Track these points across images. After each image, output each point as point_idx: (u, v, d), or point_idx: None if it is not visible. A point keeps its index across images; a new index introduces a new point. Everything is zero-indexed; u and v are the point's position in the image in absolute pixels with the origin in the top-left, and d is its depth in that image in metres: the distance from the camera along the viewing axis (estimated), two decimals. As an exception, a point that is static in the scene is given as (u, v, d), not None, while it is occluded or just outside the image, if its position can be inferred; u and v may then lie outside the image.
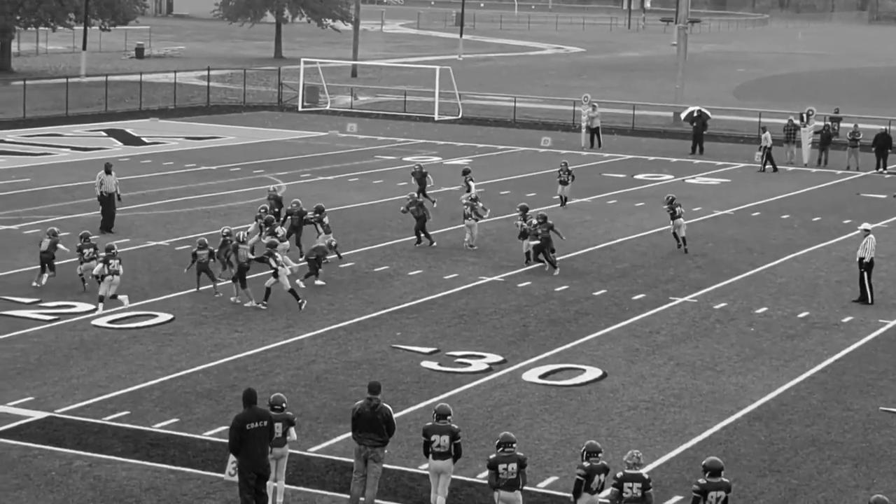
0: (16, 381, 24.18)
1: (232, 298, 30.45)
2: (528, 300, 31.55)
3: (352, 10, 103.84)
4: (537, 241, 34.26)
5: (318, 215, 34.66)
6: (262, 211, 34.47)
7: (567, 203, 43.84)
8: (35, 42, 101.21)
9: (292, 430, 18.98)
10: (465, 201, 37.54)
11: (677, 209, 37.41)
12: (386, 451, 19.17)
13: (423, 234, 36.86)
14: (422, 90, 77.95)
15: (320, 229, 34.40)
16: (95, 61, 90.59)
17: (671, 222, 37.68)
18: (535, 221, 34.67)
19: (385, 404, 19.06)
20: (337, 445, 21.40)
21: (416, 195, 38.39)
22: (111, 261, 29.56)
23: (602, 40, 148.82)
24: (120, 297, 29.84)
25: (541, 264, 34.52)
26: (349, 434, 21.73)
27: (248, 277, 30.27)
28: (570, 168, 44.20)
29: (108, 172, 37.90)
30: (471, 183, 41.42)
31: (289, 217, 35.14)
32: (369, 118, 69.51)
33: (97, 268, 29.71)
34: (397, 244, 37.18)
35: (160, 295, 30.77)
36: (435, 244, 36.69)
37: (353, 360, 26.26)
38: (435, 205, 40.87)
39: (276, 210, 35.41)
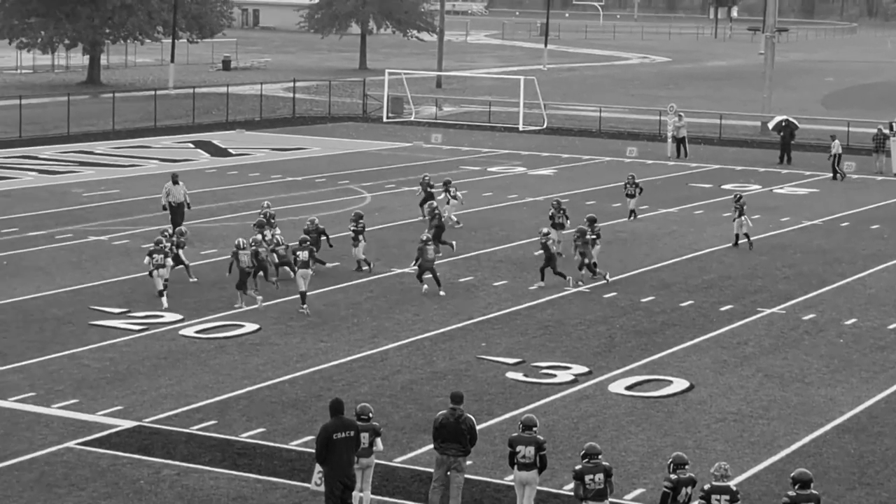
0: (105, 391, 24.40)
1: (236, 305, 30.72)
2: (613, 311, 31.39)
3: (436, 20, 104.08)
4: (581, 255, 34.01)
5: (360, 222, 34.83)
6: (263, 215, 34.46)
7: (635, 216, 43.07)
8: (124, 55, 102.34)
9: (378, 440, 19.00)
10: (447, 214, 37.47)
11: (743, 208, 38.63)
12: (468, 462, 19.14)
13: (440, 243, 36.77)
14: (506, 100, 77.93)
15: (361, 238, 34.66)
16: (183, 74, 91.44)
17: (735, 221, 38.75)
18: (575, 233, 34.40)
19: (468, 414, 19.06)
20: (422, 456, 21.38)
21: (434, 205, 38.47)
22: (155, 255, 30.72)
23: (688, 49, 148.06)
24: (163, 299, 30.65)
25: (563, 275, 33.89)
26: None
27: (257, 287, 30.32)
28: (637, 181, 43.70)
29: (175, 182, 38.35)
30: (455, 192, 41.16)
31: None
32: (454, 129, 69.57)
33: (145, 260, 31.02)
34: (482, 255, 37.15)
35: (247, 305, 30.91)
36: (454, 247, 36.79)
37: (438, 371, 26.25)
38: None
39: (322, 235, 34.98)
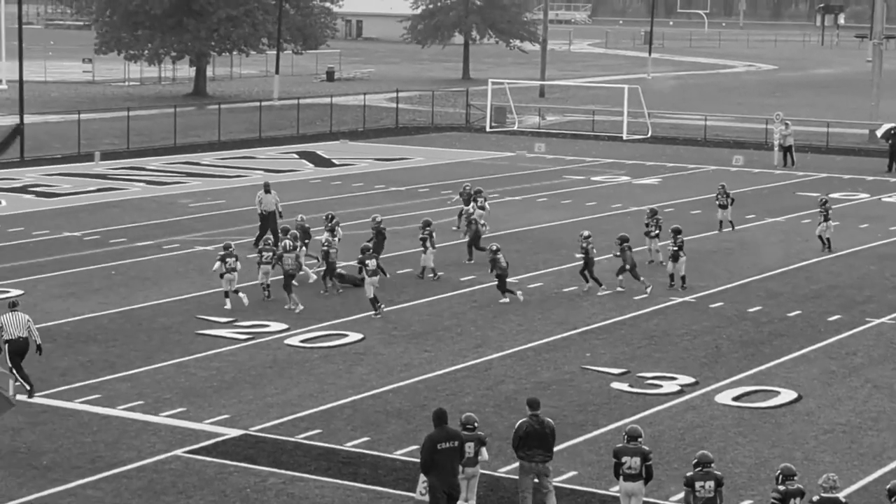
0: (212, 399, 24.60)
1: (286, 307, 31.18)
2: (720, 321, 31.11)
3: (539, 30, 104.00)
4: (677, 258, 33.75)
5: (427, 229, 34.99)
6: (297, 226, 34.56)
7: (732, 227, 42.39)
8: (229, 67, 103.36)
9: (484, 450, 18.97)
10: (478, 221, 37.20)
11: (829, 212, 38.93)
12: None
13: (474, 249, 36.71)
14: (610, 109, 77.65)
15: (430, 245, 34.73)
16: (287, 85, 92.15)
17: (820, 224, 39.01)
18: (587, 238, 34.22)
19: (548, 419, 19.15)
20: (527, 466, 21.27)
21: (469, 210, 38.58)
22: (227, 259, 31.43)
23: (795, 57, 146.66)
24: (241, 294, 31.27)
25: (636, 284, 33.70)
26: (539, 455, 21.69)
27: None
28: (728, 191, 43.07)
29: (267, 191, 38.83)
30: (484, 203, 40.87)
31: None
32: (557, 138, 69.41)
33: (216, 265, 31.71)
34: (586, 264, 36.95)
35: (351, 315, 31.05)
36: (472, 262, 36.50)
37: (542, 381, 26.16)
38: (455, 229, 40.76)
39: (306, 241, 34.82)
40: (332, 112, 71.88)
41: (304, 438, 22.54)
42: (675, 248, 33.87)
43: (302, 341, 28.71)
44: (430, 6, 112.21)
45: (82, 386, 25.22)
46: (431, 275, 34.77)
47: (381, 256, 33.35)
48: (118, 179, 52.10)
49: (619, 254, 33.85)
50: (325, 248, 32.93)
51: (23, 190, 49.00)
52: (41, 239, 39.53)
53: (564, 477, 20.95)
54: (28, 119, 60.12)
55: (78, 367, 26.49)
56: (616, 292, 33.50)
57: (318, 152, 61.89)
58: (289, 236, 32.57)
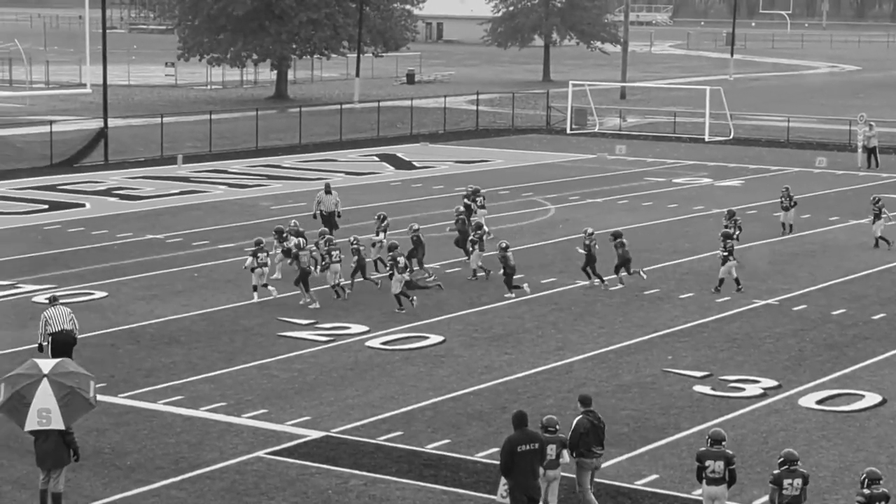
0: (293, 401, 24.69)
1: (301, 302, 31.76)
2: (803, 324, 30.81)
3: (620, 31, 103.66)
4: (732, 261, 33.48)
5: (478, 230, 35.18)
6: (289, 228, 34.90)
7: (791, 230, 41.93)
8: (310, 70, 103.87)
9: (565, 452, 18.91)
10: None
11: (882, 210, 39.38)
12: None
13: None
14: (692, 111, 77.21)
15: (477, 248, 34.89)
16: (368, 87, 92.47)
17: (874, 223, 39.38)
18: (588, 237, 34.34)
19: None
20: (609, 469, 21.19)
21: (462, 209, 38.56)
22: (259, 254, 32.13)
23: (879, 58, 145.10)
24: (270, 287, 32.27)
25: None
26: (620, 458, 21.62)
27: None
28: (791, 194, 42.55)
29: (327, 192, 39.40)
30: (483, 202, 40.62)
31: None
32: (638, 140, 69.12)
33: (248, 261, 32.38)
34: (668, 267, 36.78)
35: (432, 317, 31.07)
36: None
37: (623, 384, 26.03)
38: (449, 231, 40.24)
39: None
40: (412, 114, 71.99)
41: (385, 440, 22.57)
42: (725, 254, 33.55)
43: (383, 343, 28.76)
44: (511, 8, 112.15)
45: (166, 387, 25.41)
46: (483, 273, 34.76)
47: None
48: (200, 182, 52.48)
49: (618, 251, 34.16)
50: (355, 245, 33.35)
51: (107, 193, 49.48)
52: (125, 241, 39.89)
53: (646, 480, 20.84)
54: (112, 122, 60.73)
55: (161, 368, 26.70)
56: (694, 295, 33.30)
57: (399, 155, 62.01)
58: (303, 236, 33.59)
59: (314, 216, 39.38)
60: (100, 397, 23.54)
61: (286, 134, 67.30)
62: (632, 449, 22.26)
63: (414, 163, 59.32)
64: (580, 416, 19.30)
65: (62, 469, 19.17)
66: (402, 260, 31.82)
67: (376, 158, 60.91)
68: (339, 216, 39.30)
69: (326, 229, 35.67)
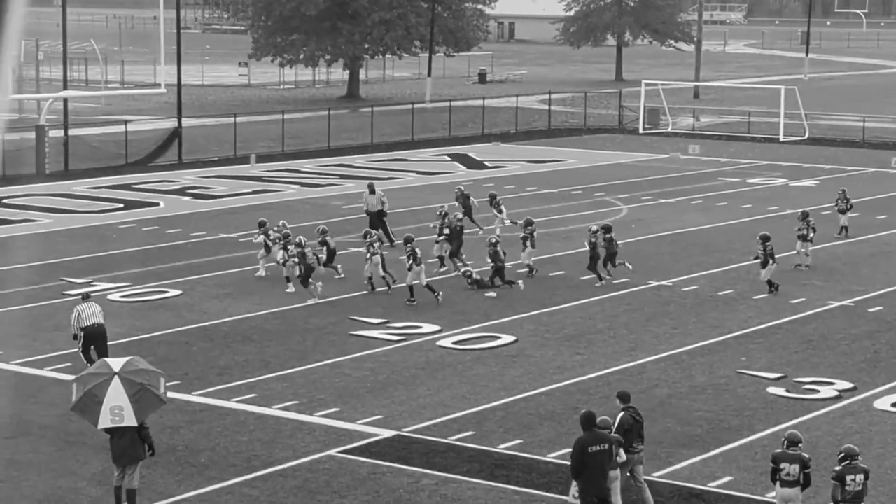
0: (365, 400, 24.73)
1: (310, 301, 32.20)
2: (879, 325, 30.50)
3: (694, 30, 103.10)
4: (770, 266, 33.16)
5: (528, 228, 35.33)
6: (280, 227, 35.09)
7: (847, 233, 41.41)
8: (382, 70, 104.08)
9: (621, 451, 18.88)
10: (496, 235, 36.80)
11: None
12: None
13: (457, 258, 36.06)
14: (766, 111, 76.67)
15: (529, 244, 35.07)
16: (439, 87, 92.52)
17: None
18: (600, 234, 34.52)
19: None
20: (682, 471, 21.08)
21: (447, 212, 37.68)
22: (289, 247, 32.80)
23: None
24: (316, 283, 32.61)
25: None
26: (694, 460, 21.49)
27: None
28: (848, 196, 42.00)
29: (371, 192, 39.96)
30: (503, 208, 40.28)
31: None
32: (712, 139, 68.71)
33: (280, 254, 33.21)
34: (741, 268, 36.51)
35: (503, 317, 31.03)
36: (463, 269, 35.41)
37: (697, 385, 25.87)
38: (480, 232, 40.11)
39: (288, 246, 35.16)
40: (483, 114, 71.96)
41: (457, 440, 22.55)
42: (765, 255, 33.08)
43: (454, 343, 28.75)
44: (584, 8, 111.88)
45: (239, 385, 25.53)
46: (527, 270, 34.72)
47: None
48: (273, 181, 52.71)
49: (604, 245, 34.36)
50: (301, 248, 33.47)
51: (180, 192, 49.83)
52: (198, 240, 40.14)
53: (720, 482, 20.70)
54: (186, 122, 61.15)
55: (234, 366, 26.83)
56: (767, 297, 33.06)
57: (470, 154, 62.00)
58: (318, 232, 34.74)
59: (366, 214, 39.94)
60: (174, 395, 23.75)
61: (358, 133, 67.47)
62: (705, 450, 22.11)
63: (485, 162, 59.29)
64: (622, 413, 19.29)
65: (137, 465, 19.31)
66: (419, 252, 32.30)
67: (447, 158, 60.93)
68: (385, 215, 39.57)
69: (371, 230, 35.85)
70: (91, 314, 25.79)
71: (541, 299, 32.65)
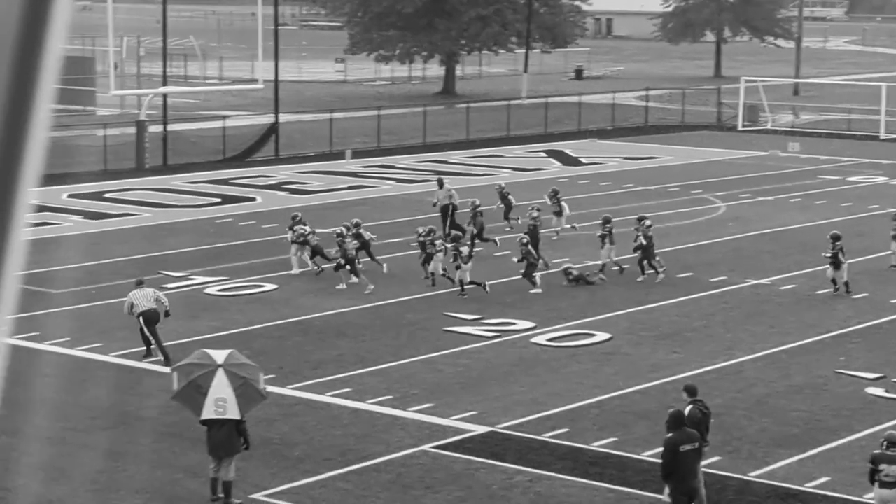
0: (459, 396, 24.72)
1: (339, 286, 32.71)
2: (981, 326, 30.01)
3: (794, 27, 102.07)
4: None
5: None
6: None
7: None
8: (478, 66, 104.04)
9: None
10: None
11: None
12: None
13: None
14: (867, 108, 75.67)
15: (608, 241, 34.99)
16: (535, 83, 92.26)
17: None
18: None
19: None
20: (778, 471, 20.87)
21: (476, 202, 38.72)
22: (348, 238, 33.30)
23: None
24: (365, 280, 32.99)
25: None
26: (790, 460, 21.27)
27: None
28: None
29: (440, 186, 40.52)
30: (563, 203, 39.80)
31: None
32: (812, 137, 67.94)
33: (334, 250, 33.54)
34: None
35: (598, 314, 30.90)
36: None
37: (794, 385, 25.59)
38: (509, 229, 39.75)
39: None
40: (580, 110, 71.72)
41: (551, 437, 22.48)
42: (835, 254, 32.48)
43: (549, 340, 28.66)
44: (682, 4, 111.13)
45: (333, 379, 25.63)
46: (616, 269, 34.51)
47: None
48: (368, 177, 52.89)
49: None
50: (422, 238, 33.94)
51: (277, 187, 50.14)
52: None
53: (817, 482, 20.46)
54: (282, 118, 61.51)
55: (329, 360, 26.93)
56: (868, 295, 32.63)
57: (566, 151, 61.82)
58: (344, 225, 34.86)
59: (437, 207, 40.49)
60: (269, 388, 23.87)
61: (453, 130, 67.50)
62: (803, 450, 21.87)
63: (581, 159, 59.08)
64: (690, 407, 19.10)
65: (233, 458, 19.45)
66: (464, 250, 32.54)
67: (543, 154, 60.78)
68: (454, 209, 39.74)
69: (433, 227, 35.90)
70: (143, 300, 26.53)
71: (637, 297, 32.47)
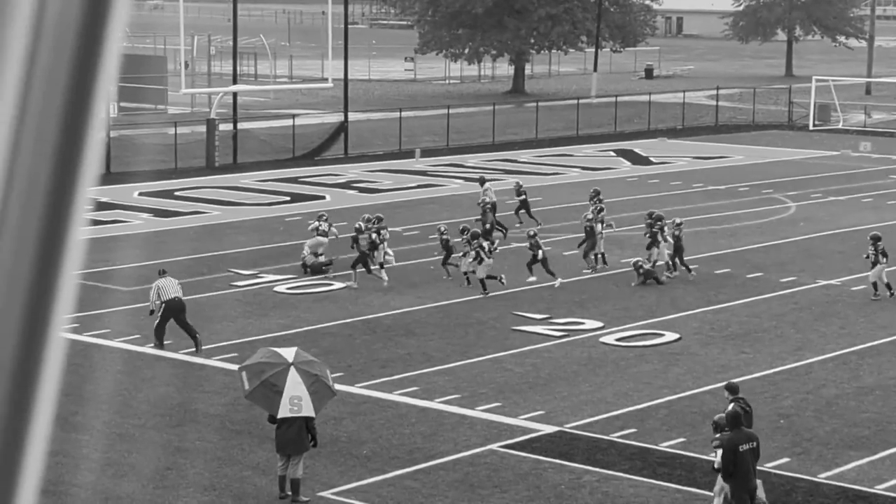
0: (527, 395, 24.69)
1: (350, 284, 32.81)
2: None
3: (866, 26, 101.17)
4: None
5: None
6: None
7: None
8: (547, 65, 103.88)
9: None
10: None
11: None
12: None
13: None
14: (940, 107, 74.91)
15: (660, 239, 34.69)
16: (605, 82, 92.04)
17: None
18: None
19: None
20: (848, 473, 20.68)
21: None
22: (382, 231, 33.87)
23: None
24: (383, 274, 33.19)
25: None
26: (860, 462, 21.09)
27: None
28: None
29: (481, 184, 41.03)
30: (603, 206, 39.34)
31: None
32: (884, 137, 67.26)
33: (362, 244, 33.79)
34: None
35: (666, 314, 30.75)
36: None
37: (864, 386, 25.35)
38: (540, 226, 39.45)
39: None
40: (650, 110, 71.42)
41: (619, 437, 22.40)
42: (876, 255, 31.98)
43: (617, 340, 28.57)
44: (753, 2, 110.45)
45: (401, 378, 25.66)
46: (669, 266, 34.30)
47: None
48: (437, 176, 52.92)
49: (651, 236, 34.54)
50: (446, 236, 34.43)
51: (346, 185, 50.27)
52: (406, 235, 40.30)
53: (887, 485, 20.28)
54: (352, 116, 61.69)
55: (397, 359, 26.97)
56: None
57: (636, 150, 61.57)
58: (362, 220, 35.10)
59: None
60: (337, 386, 23.95)
61: (522, 129, 67.42)
62: (872, 452, 21.66)
63: (651, 158, 58.82)
64: (732, 405, 19.01)
65: (301, 456, 19.52)
66: (486, 245, 32.75)
67: (613, 154, 60.57)
68: (494, 208, 39.98)
69: (466, 226, 35.86)
70: (170, 288, 26.95)
71: (706, 296, 32.29)
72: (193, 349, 26.98)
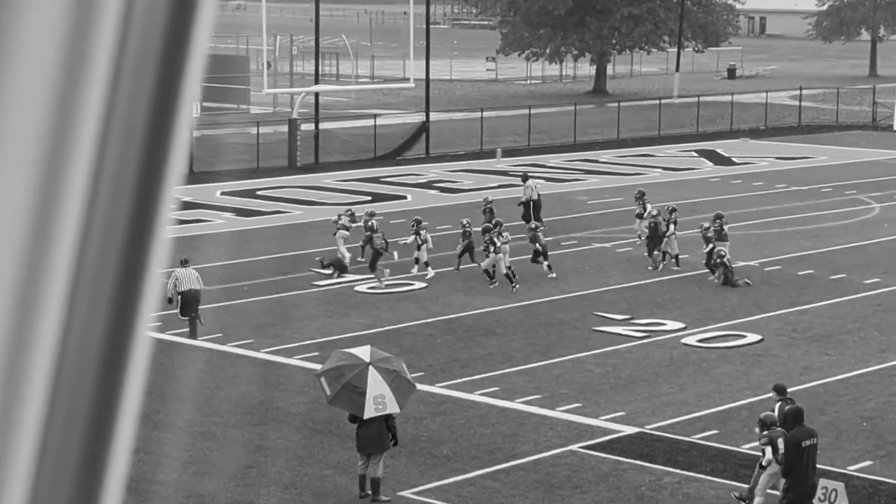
0: (608, 396, 24.62)
1: (378, 283, 32.85)
2: None
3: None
4: None
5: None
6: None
7: None
8: (629, 65, 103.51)
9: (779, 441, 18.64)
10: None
11: None
12: None
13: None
14: None
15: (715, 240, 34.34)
16: (687, 82, 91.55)
17: None
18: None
19: None
20: (933, 478, 20.44)
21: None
22: (420, 231, 34.41)
23: None
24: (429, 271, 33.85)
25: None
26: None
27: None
28: None
29: (524, 180, 42.25)
30: (647, 205, 38.62)
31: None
32: (970, 137, 66.44)
33: (410, 239, 34.49)
34: None
35: (749, 315, 30.53)
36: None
37: (951, 389, 25.05)
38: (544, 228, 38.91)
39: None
40: (732, 110, 70.94)
41: (700, 438, 22.28)
42: None
43: (699, 341, 28.41)
44: (837, 2, 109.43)
45: (482, 378, 25.66)
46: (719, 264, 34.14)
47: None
48: (518, 176, 52.78)
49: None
50: (468, 229, 34.74)
51: (427, 185, 50.35)
52: (444, 234, 40.39)
53: (974, 491, 20.01)
54: (433, 116, 61.78)
55: (478, 359, 26.98)
56: None
57: (718, 150, 61.17)
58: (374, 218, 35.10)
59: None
60: (418, 386, 24.02)
61: (604, 129, 67.20)
62: (959, 457, 21.40)
63: (733, 159, 58.43)
64: (779, 405, 19.16)
65: (382, 455, 19.57)
66: (498, 240, 32.84)
67: (695, 154, 60.23)
68: (535, 205, 40.47)
69: (500, 220, 35.94)
70: (188, 279, 27.23)
71: (789, 298, 32.04)
72: (188, 332, 27.63)
